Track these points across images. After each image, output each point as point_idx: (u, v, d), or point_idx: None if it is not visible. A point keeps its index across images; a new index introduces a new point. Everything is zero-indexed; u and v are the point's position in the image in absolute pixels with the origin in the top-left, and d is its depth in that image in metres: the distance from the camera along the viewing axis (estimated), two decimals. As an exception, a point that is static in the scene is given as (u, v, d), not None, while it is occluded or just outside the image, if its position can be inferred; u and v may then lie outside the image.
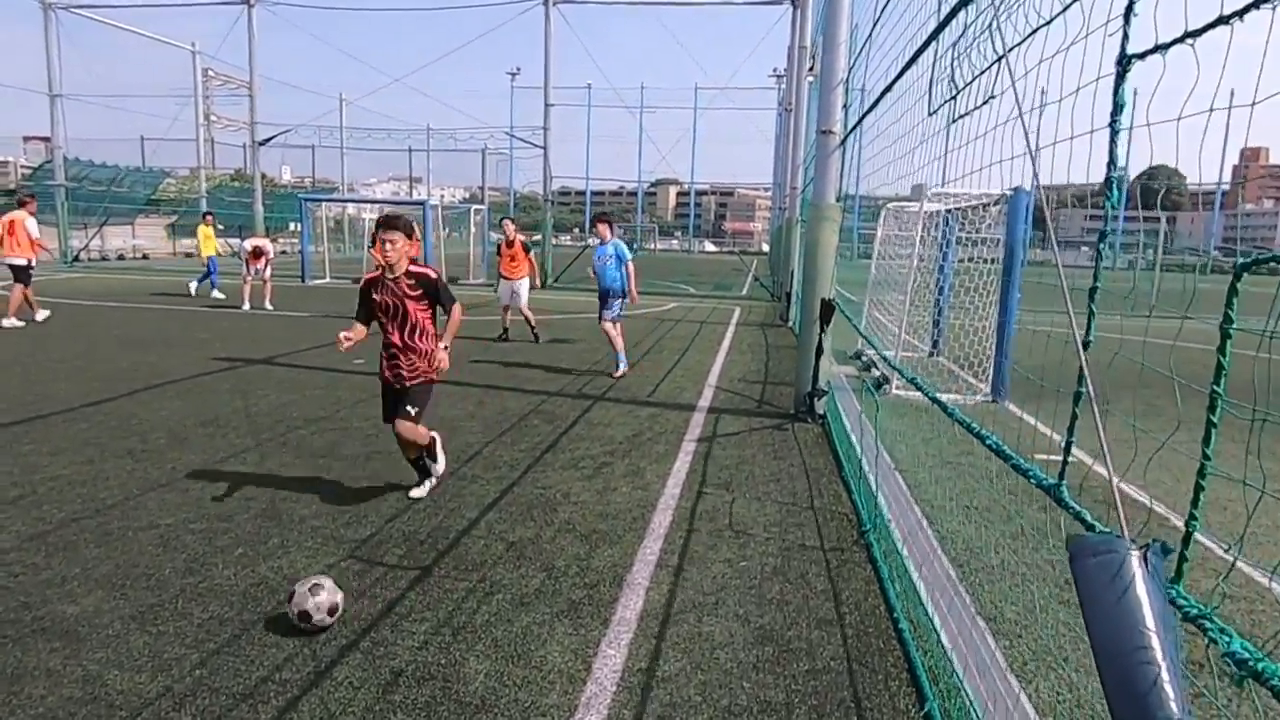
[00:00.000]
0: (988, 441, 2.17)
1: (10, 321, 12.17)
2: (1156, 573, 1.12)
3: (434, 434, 5.18)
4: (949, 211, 10.31)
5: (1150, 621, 1.06)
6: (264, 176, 31.16)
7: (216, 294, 17.06)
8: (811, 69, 13.66)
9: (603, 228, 9.85)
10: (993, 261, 9.14)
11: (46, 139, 28.01)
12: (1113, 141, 1.58)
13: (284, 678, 3.07)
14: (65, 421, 6.64)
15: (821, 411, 7.58)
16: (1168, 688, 1.02)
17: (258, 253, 15.89)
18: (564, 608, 3.71)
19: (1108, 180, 1.59)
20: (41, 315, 13.10)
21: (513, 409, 7.68)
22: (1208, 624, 1.18)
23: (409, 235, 4.85)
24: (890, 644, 3.48)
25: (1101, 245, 1.59)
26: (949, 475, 5.96)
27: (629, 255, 9.76)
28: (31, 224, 13.09)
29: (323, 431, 6.61)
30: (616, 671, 3.20)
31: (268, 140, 26.76)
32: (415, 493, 5.08)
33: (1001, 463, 6.19)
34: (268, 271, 16.00)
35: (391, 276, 4.88)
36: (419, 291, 4.90)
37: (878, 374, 9.10)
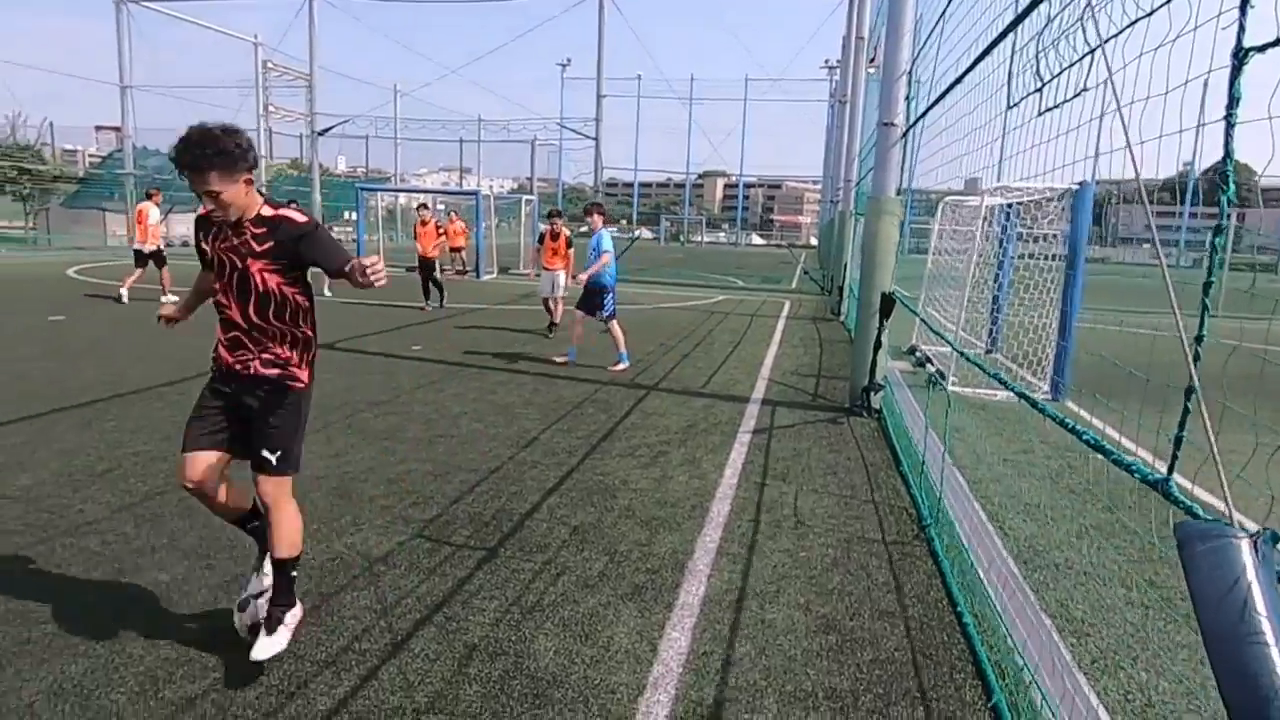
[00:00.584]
0: (1085, 436, 2.16)
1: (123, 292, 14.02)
2: (1267, 561, 1.13)
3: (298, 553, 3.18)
4: (1009, 206, 10.12)
5: (1262, 607, 1.08)
6: (320, 166, 31.83)
7: None
8: (873, 60, 13.48)
9: (596, 217, 9.57)
10: (1053, 257, 8.96)
11: (117, 129, 29.03)
12: (1228, 135, 1.57)
13: (363, 648, 3.19)
14: (142, 401, 6.92)
15: (878, 406, 7.54)
16: (1277, 665, 1.03)
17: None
18: (628, 591, 3.78)
19: (1222, 175, 1.59)
20: (125, 295, 14.14)
21: (567, 397, 7.78)
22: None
23: (235, 165, 2.79)
24: (954, 637, 3.48)
25: (1217, 239, 1.58)
26: (1009, 473, 5.90)
27: (607, 246, 9.39)
28: (154, 212, 14.21)
29: (385, 415, 6.79)
30: (682, 654, 3.26)
31: (326, 130, 27.35)
32: (256, 654, 2.91)
33: (1062, 461, 6.07)
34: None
35: (226, 221, 2.92)
36: (269, 246, 2.93)
37: (933, 370, 9.00)
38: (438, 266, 21.31)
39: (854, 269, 14.05)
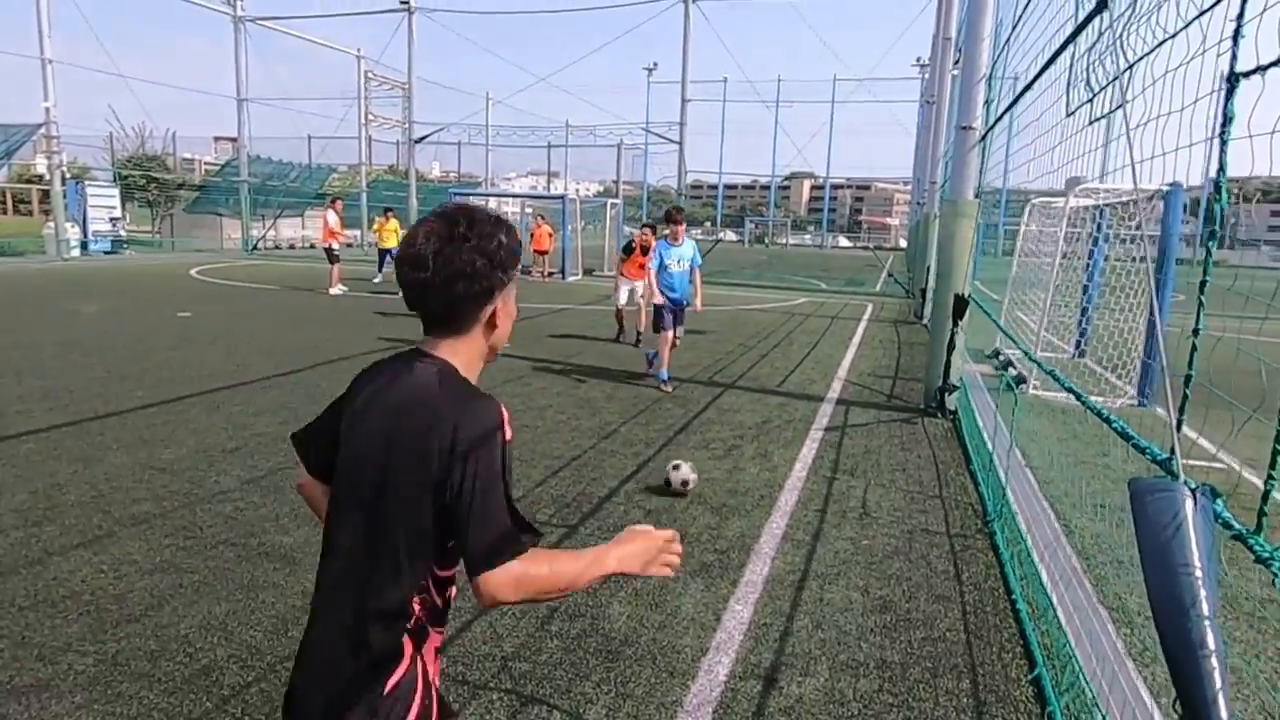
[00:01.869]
0: (1115, 424, 2.35)
1: (336, 289, 16.57)
2: (1205, 510, 1.34)
3: None
4: (1099, 207, 9.93)
5: (1194, 546, 1.29)
6: (416, 171, 33.27)
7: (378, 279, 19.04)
8: (957, 63, 13.36)
9: (679, 227, 8.56)
10: (1143, 260, 8.77)
11: (234, 139, 31.11)
12: (1222, 151, 1.77)
13: (458, 605, 3.59)
14: (263, 389, 7.63)
15: (952, 407, 7.60)
16: (1204, 601, 1.25)
17: None
18: (696, 568, 4.09)
19: (1216, 186, 1.78)
20: (336, 290, 16.57)
21: (646, 393, 8.13)
22: (1275, 562, 1.40)
23: None
24: (1006, 621, 3.65)
25: (1211, 244, 1.77)
26: (1083, 475, 5.91)
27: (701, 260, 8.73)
28: (332, 218, 17.18)
29: (477, 406, 7.28)
30: (744, 624, 3.54)
31: (424, 138, 28.60)
32: None
33: (1140, 465, 6.12)
34: None
35: None
36: None
37: (1015, 373, 8.94)
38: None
39: (933, 271, 13.93)
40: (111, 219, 26.46)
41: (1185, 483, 1.40)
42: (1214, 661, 1.24)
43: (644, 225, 11.45)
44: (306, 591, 3.65)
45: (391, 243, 19.32)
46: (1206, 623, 1.26)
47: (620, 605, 3.66)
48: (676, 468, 5.14)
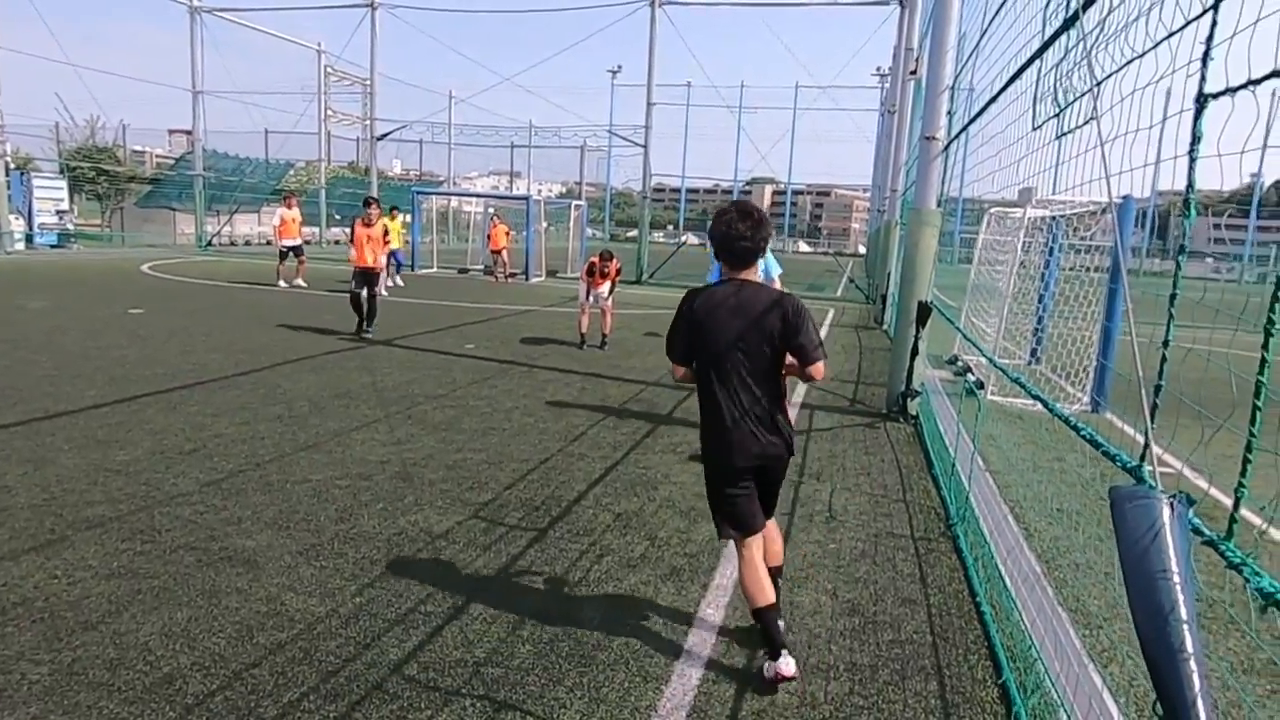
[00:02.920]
0: (1083, 432, 2.41)
1: (298, 283, 17.11)
2: (1181, 518, 1.39)
3: None
4: (1054, 218, 10.19)
5: (1172, 552, 1.34)
6: (377, 169, 32.80)
7: (397, 281, 18.67)
8: (914, 72, 13.60)
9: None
10: (1097, 270, 9.03)
11: (188, 132, 30.35)
12: (1190, 169, 1.83)
13: (428, 610, 3.56)
14: (221, 388, 7.45)
15: (914, 412, 7.73)
16: (1183, 605, 1.29)
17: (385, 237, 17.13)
18: (667, 572, 4.09)
19: (1185, 202, 1.84)
20: (283, 285, 16.95)
21: (614, 396, 8.13)
22: (1245, 568, 1.45)
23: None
24: (971, 623, 3.72)
25: (1181, 257, 1.83)
26: (1041, 479, 6.06)
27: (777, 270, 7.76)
28: (286, 213, 17.58)
29: (443, 407, 7.21)
30: (716, 628, 3.56)
31: (385, 135, 28.21)
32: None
33: (1095, 470, 6.21)
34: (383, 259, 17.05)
35: None
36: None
37: (974, 378, 9.13)
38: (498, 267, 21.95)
39: (896, 278, 14.16)
40: (58, 212, 25.62)
41: (1162, 491, 1.45)
42: (1193, 664, 1.28)
43: (601, 253, 11.47)
44: (271, 596, 3.57)
45: (396, 243, 18.82)
46: (1185, 627, 1.30)
47: (592, 609, 3.65)
48: None
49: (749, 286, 3.14)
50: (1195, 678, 1.27)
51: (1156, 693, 1.33)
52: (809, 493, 5.49)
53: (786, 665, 3.03)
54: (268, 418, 6.52)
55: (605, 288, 11.39)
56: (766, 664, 3.10)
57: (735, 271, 3.17)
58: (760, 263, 3.30)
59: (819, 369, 3.14)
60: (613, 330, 11.71)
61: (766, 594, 3.11)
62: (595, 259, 11.37)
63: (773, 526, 3.43)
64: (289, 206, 17.70)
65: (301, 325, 11.54)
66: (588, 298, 11.55)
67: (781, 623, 3.15)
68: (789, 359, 3.19)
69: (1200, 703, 1.25)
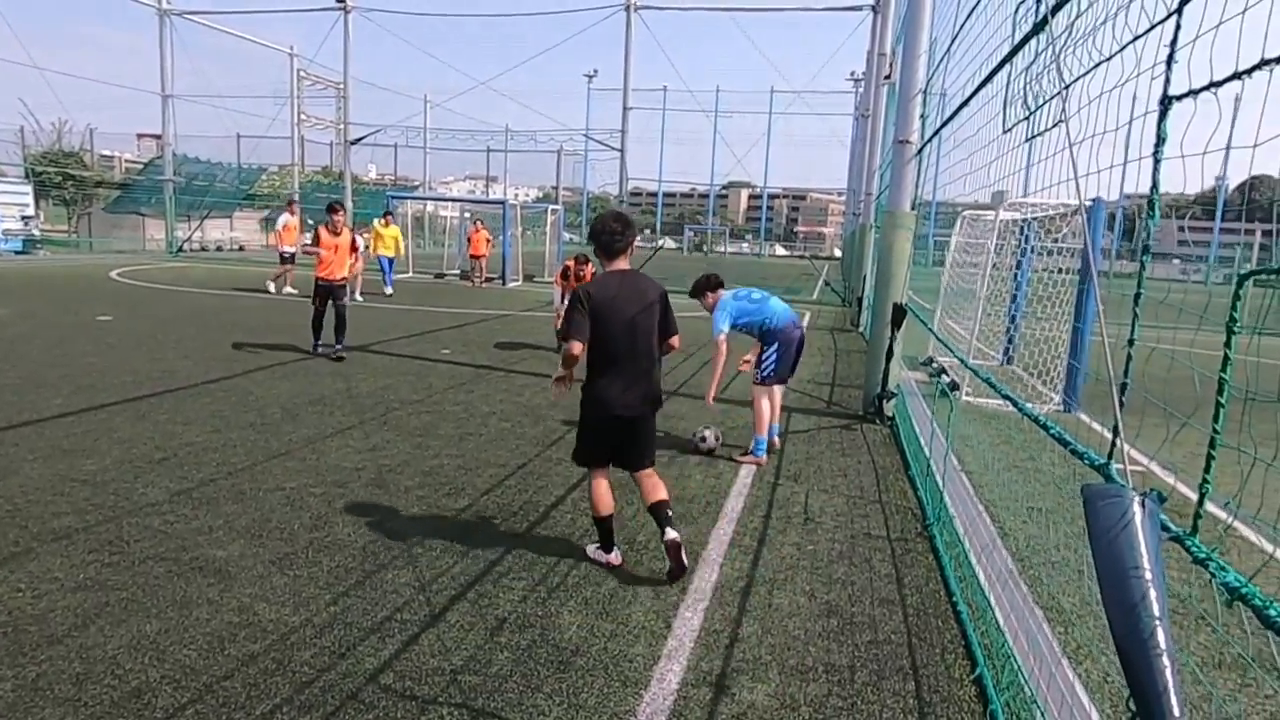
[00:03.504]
0: (1052, 431, 2.44)
1: (286, 290, 16.85)
2: (1153, 515, 1.41)
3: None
4: (1026, 221, 10.33)
5: (1144, 549, 1.35)
6: (351, 174, 32.52)
7: (385, 290, 18.16)
8: (888, 76, 13.73)
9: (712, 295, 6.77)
10: (1068, 271, 9.16)
11: (158, 136, 29.91)
12: (1155, 170, 1.86)
13: (404, 618, 3.51)
14: (191, 396, 7.33)
15: (890, 414, 7.78)
16: (1155, 602, 1.30)
17: (352, 246, 16.85)
18: (645, 576, 4.08)
19: (1150, 203, 1.87)
20: (273, 288, 17.00)
21: (591, 400, 8.10)
22: (1210, 563, 1.47)
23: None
24: (948, 623, 3.74)
25: (1145, 257, 1.85)
26: (1015, 479, 6.12)
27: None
28: (291, 219, 17.52)
29: (419, 413, 7.15)
30: (694, 631, 3.55)
31: (359, 140, 27.99)
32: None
33: (1068, 469, 6.28)
34: (359, 264, 16.82)
35: None
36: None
37: (949, 380, 9.21)
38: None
39: (871, 280, 14.27)
40: (24, 217, 25.14)
41: (1133, 489, 1.46)
42: (1165, 659, 1.30)
43: (576, 256, 11.58)
44: (243, 607, 3.51)
45: (391, 250, 18.57)
46: (1157, 622, 1.32)
47: (570, 614, 3.63)
48: (703, 439, 6.40)
49: (629, 275, 4.11)
50: (1168, 672, 1.28)
51: (1130, 687, 1.34)
52: (786, 495, 5.50)
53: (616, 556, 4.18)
54: (240, 425, 6.42)
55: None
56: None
57: (612, 262, 4.09)
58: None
59: (679, 340, 4.22)
60: None
61: (606, 506, 4.14)
62: (571, 262, 11.41)
63: (652, 472, 4.25)
64: (293, 213, 17.52)
65: (274, 331, 11.40)
66: (563, 302, 11.55)
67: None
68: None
69: (1172, 696, 1.26)
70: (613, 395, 4.03)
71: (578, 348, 3.96)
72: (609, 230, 4.05)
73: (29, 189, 26.30)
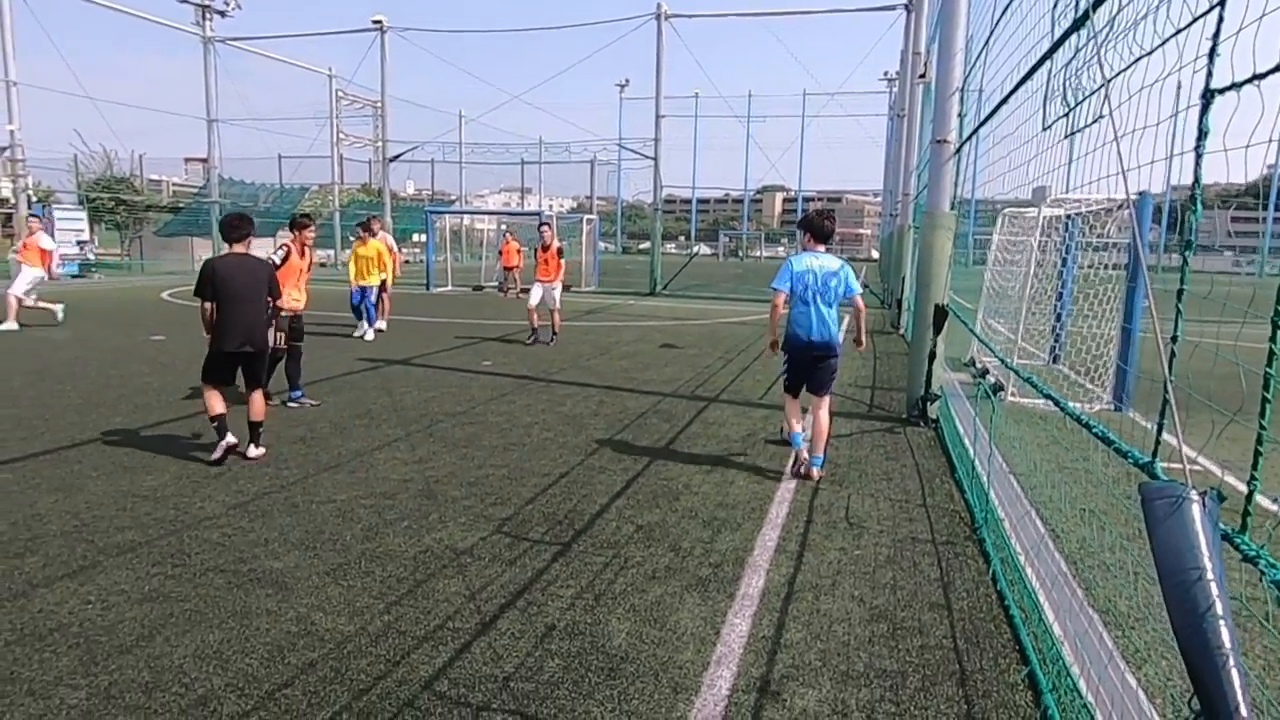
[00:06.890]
0: (1095, 429, 2.41)
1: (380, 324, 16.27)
2: (1212, 514, 1.39)
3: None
4: (1070, 217, 10.14)
5: (1205, 549, 1.34)
6: (390, 191, 33.11)
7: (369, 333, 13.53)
8: (923, 75, 13.60)
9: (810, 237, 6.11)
10: (1116, 267, 8.96)
11: (204, 160, 30.81)
12: (1197, 165, 1.84)
13: (456, 626, 3.58)
14: (242, 413, 7.51)
15: (934, 416, 7.69)
16: (1218, 601, 1.29)
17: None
18: (692, 582, 4.10)
19: (1192, 198, 1.85)
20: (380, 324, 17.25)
21: (631, 408, 8.15)
22: (1260, 560, 1.45)
23: None
24: (1000, 627, 3.69)
25: (1188, 253, 1.83)
26: (1065, 480, 6.00)
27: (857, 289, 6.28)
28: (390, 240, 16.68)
29: (462, 425, 7.25)
30: (743, 637, 3.55)
31: (397, 157, 28.50)
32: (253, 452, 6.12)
33: (1120, 468, 6.18)
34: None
35: None
36: None
37: (992, 380, 9.08)
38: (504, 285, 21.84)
39: (911, 282, 14.10)
40: (79, 242, 26.04)
41: (1193, 487, 1.45)
42: (1231, 660, 1.28)
43: (541, 223, 12.28)
44: (300, 616, 3.61)
45: (374, 276, 13.61)
46: (1221, 622, 1.30)
47: (618, 621, 3.66)
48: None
49: (248, 258, 6.15)
50: (1234, 673, 1.27)
51: (1194, 688, 1.33)
52: (830, 499, 5.48)
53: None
54: (290, 440, 6.59)
55: (557, 289, 12.68)
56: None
57: (234, 247, 6.12)
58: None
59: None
60: (562, 329, 13.24)
61: (217, 409, 6.12)
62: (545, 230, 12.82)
63: (259, 394, 6.30)
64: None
65: (323, 346, 11.65)
66: (539, 301, 12.66)
67: None
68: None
69: (1239, 695, 1.25)
70: (229, 332, 6.24)
71: (209, 306, 6.07)
72: (231, 224, 6.28)
73: (83, 214, 27.25)
